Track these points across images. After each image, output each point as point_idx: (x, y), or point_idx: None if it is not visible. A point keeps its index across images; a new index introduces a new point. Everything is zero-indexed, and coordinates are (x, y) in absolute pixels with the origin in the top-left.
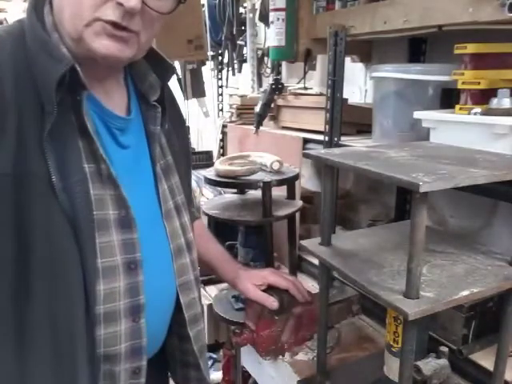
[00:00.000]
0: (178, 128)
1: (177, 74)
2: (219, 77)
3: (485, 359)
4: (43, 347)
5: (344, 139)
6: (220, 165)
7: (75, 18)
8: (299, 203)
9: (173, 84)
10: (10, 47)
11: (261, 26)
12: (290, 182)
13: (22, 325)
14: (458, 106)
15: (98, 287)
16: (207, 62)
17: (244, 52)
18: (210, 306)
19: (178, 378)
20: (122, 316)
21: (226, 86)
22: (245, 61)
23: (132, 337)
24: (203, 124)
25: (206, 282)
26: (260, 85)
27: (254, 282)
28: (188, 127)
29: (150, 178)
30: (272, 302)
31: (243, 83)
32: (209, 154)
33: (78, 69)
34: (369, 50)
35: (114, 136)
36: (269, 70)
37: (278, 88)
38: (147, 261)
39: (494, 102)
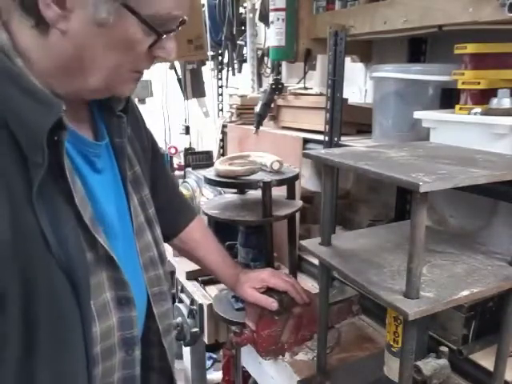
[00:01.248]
0: (136, 129)
1: (177, 74)
2: (219, 77)
3: (485, 359)
4: None
5: (344, 139)
6: (220, 165)
7: (114, 77)
8: (299, 203)
9: (173, 84)
10: None
11: (261, 26)
12: (290, 182)
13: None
14: (457, 106)
15: (94, 328)
16: (207, 62)
17: (244, 52)
18: (209, 306)
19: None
20: (117, 349)
21: (226, 86)
22: (245, 61)
23: (124, 367)
24: (203, 124)
25: (206, 282)
26: (260, 85)
27: (253, 285)
28: (188, 127)
29: (122, 195)
30: (271, 304)
31: (243, 83)
32: (209, 154)
33: (63, 116)
34: (369, 50)
35: (93, 164)
36: (269, 70)
37: (278, 88)
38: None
39: (494, 102)
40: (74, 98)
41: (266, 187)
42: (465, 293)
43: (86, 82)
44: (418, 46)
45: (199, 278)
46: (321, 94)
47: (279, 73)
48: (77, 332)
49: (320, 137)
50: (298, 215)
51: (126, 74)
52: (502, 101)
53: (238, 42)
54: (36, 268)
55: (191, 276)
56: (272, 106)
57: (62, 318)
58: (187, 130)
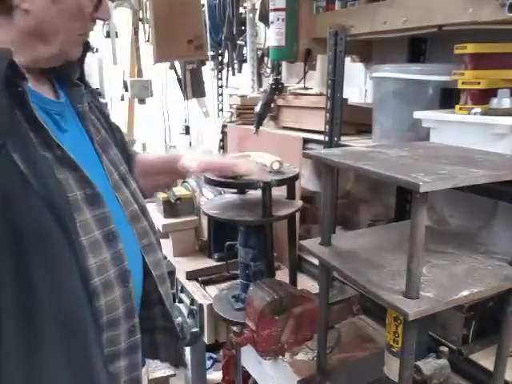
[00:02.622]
0: (96, 101)
1: (177, 74)
2: (219, 77)
3: (485, 359)
4: (52, 331)
5: (344, 139)
6: None
7: (66, 44)
8: (299, 203)
9: (173, 84)
10: None
11: (261, 26)
12: (290, 182)
13: (29, 312)
14: (457, 106)
15: (89, 262)
16: (207, 62)
17: (244, 52)
18: (209, 306)
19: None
20: (115, 283)
21: (226, 86)
22: (245, 61)
23: (125, 300)
24: (203, 124)
25: (206, 282)
26: (260, 85)
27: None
28: (188, 127)
29: (93, 155)
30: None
31: (243, 83)
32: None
33: (16, 62)
34: (369, 50)
35: (56, 122)
36: (269, 70)
37: (278, 88)
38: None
39: (494, 102)
40: (33, 68)
41: (266, 187)
42: (465, 293)
43: (45, 50)
44: (418, 46)
45: (199, 278)
46: (321, 94)
47: (279, 73)
48: (71, 264)
49: (320, 137)
50: (298, 215)
51: (77, 37)
52: (502, 101)
53: (238, 42)
54: (17, 201)
55: (191, 276)
56: (272, 105)
57: (52, 251)
58: (187, 130)
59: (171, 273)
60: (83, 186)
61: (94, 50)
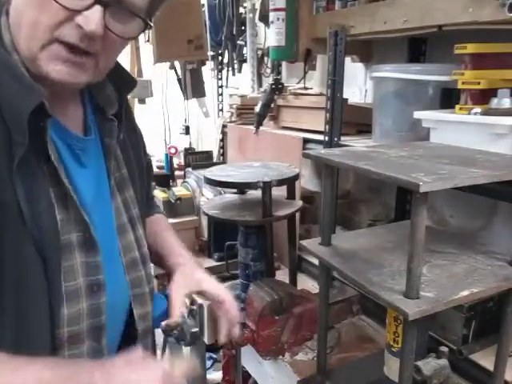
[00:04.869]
0: (133, 139)
1: (177, 74)
2: (219, 77)
3: (485, 359)
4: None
5: (344, 139)
6: None
7: (31, 38)
8: (299, 203)
9: (173, 84)
10: None
11: (261, 26)
12: (290, 182)
13: None
14: (458, 106)
15: (62, 311)
16: (207, 62)
17: (244, 52)
18: (210, 306)
19: None
20: (85, 338)
21: (226, 86)
22: (245, 61)
23: (93, 355)
24: (203, 124)
25: None
26: (260, 85)
27: (186, 278)
28: (188, 127)
29: (107, 194)
30: (174, 316)
31: (243, 83)
32: (209, 154)
33: (45, 101)
34: (369, 50)
35: (77, 157)
36: (269, 70)
37: (278, 88)
38: (105, 277)
39: (494, 102)
40: (60, 97)
41: (266, 187)
42: (465, 293)
43: (19, 45)
44: (418, 46)
45: None
46: (321, 94)
47: (279, 73)
48: (41, 294)
49: (320, 137)
50: (298, 215)
51: (49, 42)
52: (502, 101)
53: (238, 42)
54: (7, 233)
55: None
56: (272, 105)
57: (27, 292)
58: (187, 130)
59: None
60: (81, 228)
61: None
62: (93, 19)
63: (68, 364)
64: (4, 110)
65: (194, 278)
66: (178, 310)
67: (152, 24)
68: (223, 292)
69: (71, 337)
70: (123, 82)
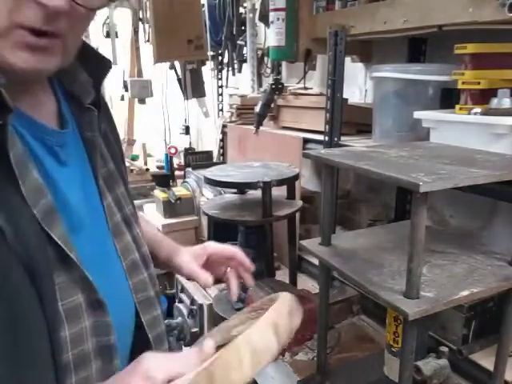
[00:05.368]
0: (112, 131)
1: (177, 74)
2: (219, 77)
3: (485, 359)
4: None
5: (344, 139)
6: None
7: None
8: (299, 203)
9: (173, 84)
10: None
11: (261, 26)
12: (290, 182)
13: None
14: (458, 106)
15: (63, 333)
16: (207, 62)
17: (244, 52)
18: (210, 306)
19: None
20: (92, 358)
21: (226, 86)
22: (245, 61)
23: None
24: (203, 124)
25: None
26: (260, 85)
27: (192, 254)
28: (188, 127)
29: (94, 193)
30: (207, 278)
31: (243, 83)
32: (209, 153)
33: (3, 91)
34: (369, 50)
35: (55, 154)
36: (269, 70)
37: (277, 88)
38: (106, 290)
39: (494, 102)
40: (32, 87)
41: (266, 187)
42: (465, 293)
43: None
44: (418, 46)
45: None
46: (321, 94)
47: (279, 73)
48: (41, 335)
49: (320, 137)
50: (298, 215)
51: (9, 31)
52: (502, 101)
53: (238, 42)
54: None
55: None
56: (272, 105)
57: (21, 318)
58: (187, 130)
59: (171, 273)
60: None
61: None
62: None
63: None
64: None
65: (197, 248)
66: (205, 277)
67: None
68: (229, 248)
69: (77, 359)
70: (97, 65)
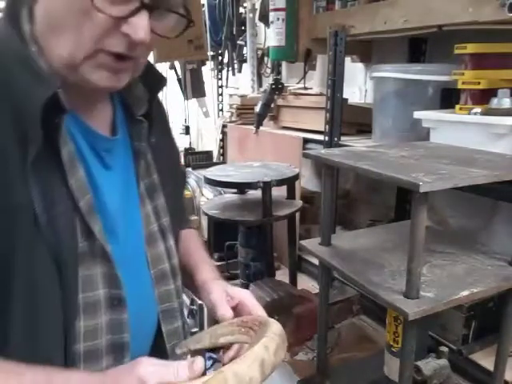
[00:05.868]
0: (167, 142)
1: (177, 74)
2: (219, 77)
3: (485, 359)
4: None
5: (344, 139)
6: None
7: (73, 48)
8: (299, 203)
9: (173, 84)
10: None
11: (261, 26)
12: (290, 182)
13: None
14: (458, 106)
15: (78, 324)
16: (207, 62)
17: (244, 52)
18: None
19: None
20: (104, 355)
21: (226, 86)
22: (245, 61)
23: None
24: (203, 124)
25: None
26: (260, 85)
27: (224, 289)
28: (188, 127)
29: (135, 199)
30: (225, 312)
31: (243, 83)
32: (209, 154)
33: (60, 94)
34: (369, 50)
35: (101, 158)
36: (269, 70)
37: (277, 88)
38: (128, 291)
39: (494, 102)
40: (88, 95)
41: (266, 187)
42: (465, 293)
43: (56, 50)
44: (418, 46)
45: None
46: (321, 94)
47: (279, 73)
48: (56, 322)
49: (320, 137)
50: (298, 215)
51: (94, 52)
52: (502, 101)
53: (238, 42)
54: (19, 237)
55: None
56: (272, 105)
57: (39, 302)
58: (187, 130)
59: None
60: (94, 236)
61: None
62: (141, 27)
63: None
64: (18, 104)
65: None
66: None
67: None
68: (245, 293)
69: (88, 352)
70: (153, 80)
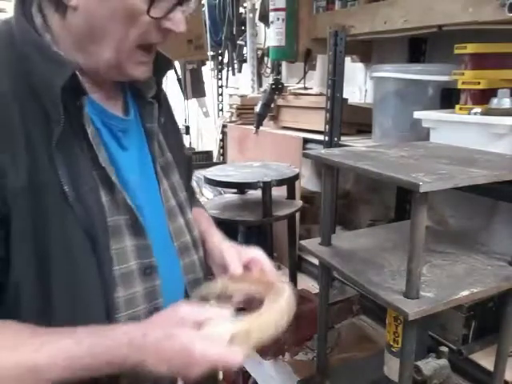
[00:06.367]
0: (172, 123)
1: (177, 74)
2: (219, 77)
3: (485, 359)
4: None
5: (344, 139)
6: None
7: (119, 51)
8: (299, 203)
9: (173, 84)
10: (1, 52)
11: (261, 26)
12: (290, 182)
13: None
14: (458, 106)
15: (116, 294)
16: (207, 62)
17: (244, 52)
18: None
19: None
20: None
21: (226, 86)
22: (245, 61)
23: None
24: (203, 124)
25: None
26: (260, 85)
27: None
28: (188, 127)
29: (153, 178)
30: (236, 268)
31: (243, 83)
32: (209, 153)
33: (78, 74)
34: (369, 50)
35: (118, 138)
36: (269, 70)
37: (277, 88)
38: (158, 260)
39: (494, 102)
40: (97, 75)
41: (266, 187)
42: (465, 293)
43: (99, 55)
44: (418, 46)
45: None
46: (321, 94)
47: (279, 73)
48: (92, 278)
49: (320, 137)
50: (298, 215)
51: (134, 50)
52: (502, 101)
53: (238, 42)
54: (52, 215)
55: None
56: (272, 105)
57: (78, 277)
58: (187, 130)
59: None
60: (127, 211)
61: None
62: (180, 20)
63: (92, 334)
64: (38, 88)
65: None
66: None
67: None
68: (257, 252)
69: (128, 321)
70: (159, 63)
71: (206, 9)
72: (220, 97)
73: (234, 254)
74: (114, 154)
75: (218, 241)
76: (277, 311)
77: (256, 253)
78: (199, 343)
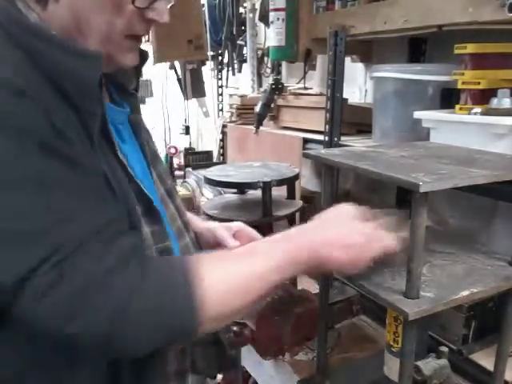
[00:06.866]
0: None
1: (177, 74)
2: (219, 77)
3: (485, 359)
4: None
5: (344, 139)
6: None
7: (106, 42)
8: (299, 203)
9: (173, 84)
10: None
11: (261, 26)
12: (290, 182)
13: None
14: (458, 106)
15: None
16: (207, 62)
17: (244, 52)
18: None
19: None
20: None
21: (226, 86)
22: (245, 61)
23: None
24: (203, 124)
25: None
26: (260, 85)
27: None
28: (188, 127)
29: (145, 169)
30: (234, 244)
31: (243, 83)
32: (209, 154)
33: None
34: (369, 50)
35: (119, 132)
36: (269, 70)
37: (278, 88)
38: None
39: (494, 102)
40: None
41: (266, 187)
42: (465, 293)
43: (84, 45)
44: (418, 46)
45: None
46: (321, 94)
47: (279, 73)
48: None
49: (320, 137)
50: (298, 215)
51: (121, 39)
52: (502, 101)
53: (238, 42)
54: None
55: None
56: (272, 105)
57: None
58: (187, 130)
59: None
60: (141, 200)
61: None
62: (164, 11)
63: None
64: (67, 86)
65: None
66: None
67: None
68: (240, 224)
69: None
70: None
71: (206, 9)
72: (220, 97)
73: (225, 232)
74: (121, 146)
75: (205, 223)
76: None
77: (239, 225)
78: (372, 231)
